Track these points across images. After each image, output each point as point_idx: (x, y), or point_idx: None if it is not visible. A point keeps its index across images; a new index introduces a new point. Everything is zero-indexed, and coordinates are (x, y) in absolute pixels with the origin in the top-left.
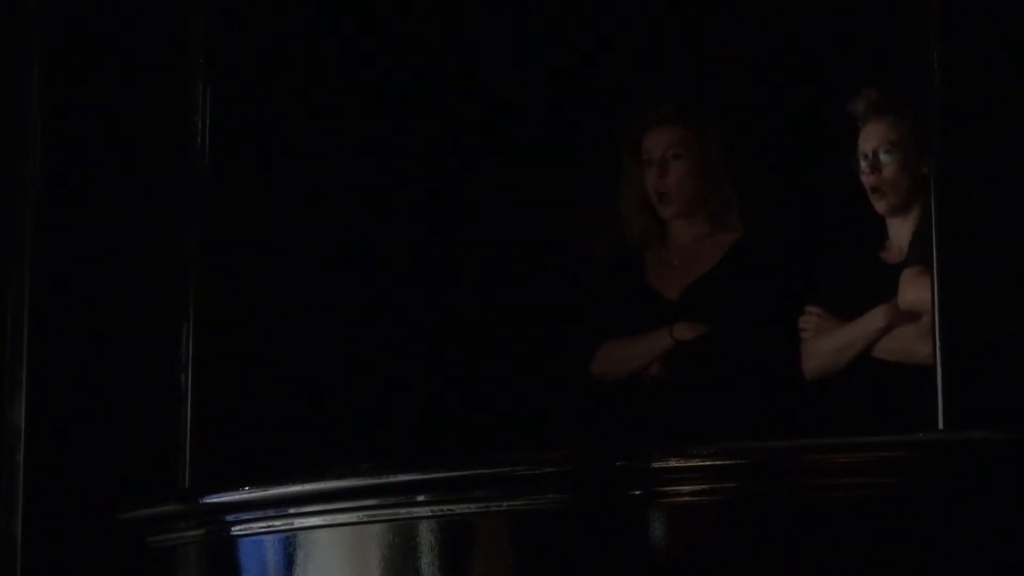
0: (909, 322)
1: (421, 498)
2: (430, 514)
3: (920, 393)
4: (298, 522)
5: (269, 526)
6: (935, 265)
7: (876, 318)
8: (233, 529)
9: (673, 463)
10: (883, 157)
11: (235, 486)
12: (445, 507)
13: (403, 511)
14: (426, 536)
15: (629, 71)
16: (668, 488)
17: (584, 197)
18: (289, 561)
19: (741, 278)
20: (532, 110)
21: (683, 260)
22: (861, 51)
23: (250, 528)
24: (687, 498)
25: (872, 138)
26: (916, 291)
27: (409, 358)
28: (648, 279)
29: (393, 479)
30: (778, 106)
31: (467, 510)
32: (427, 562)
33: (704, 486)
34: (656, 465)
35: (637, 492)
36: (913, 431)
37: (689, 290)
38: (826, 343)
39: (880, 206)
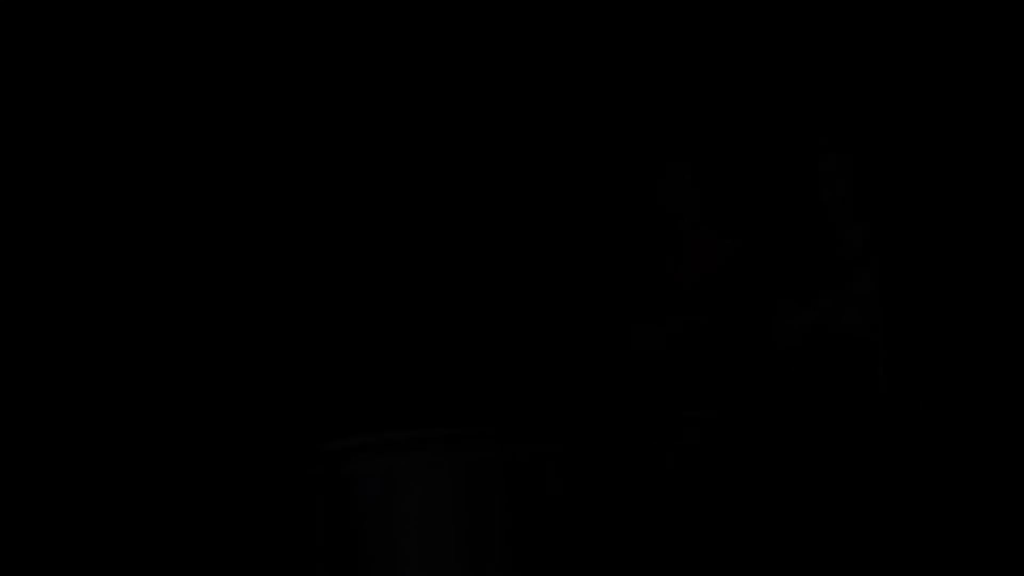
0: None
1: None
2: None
3: None
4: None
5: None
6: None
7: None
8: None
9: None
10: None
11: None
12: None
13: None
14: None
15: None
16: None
17: (603, 192)
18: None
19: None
20: (543, 108)
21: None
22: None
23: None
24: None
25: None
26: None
27: (425, 350)
28: (667, 265)
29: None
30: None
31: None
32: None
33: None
34: None
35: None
36: None
37: (708, 278)
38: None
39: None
